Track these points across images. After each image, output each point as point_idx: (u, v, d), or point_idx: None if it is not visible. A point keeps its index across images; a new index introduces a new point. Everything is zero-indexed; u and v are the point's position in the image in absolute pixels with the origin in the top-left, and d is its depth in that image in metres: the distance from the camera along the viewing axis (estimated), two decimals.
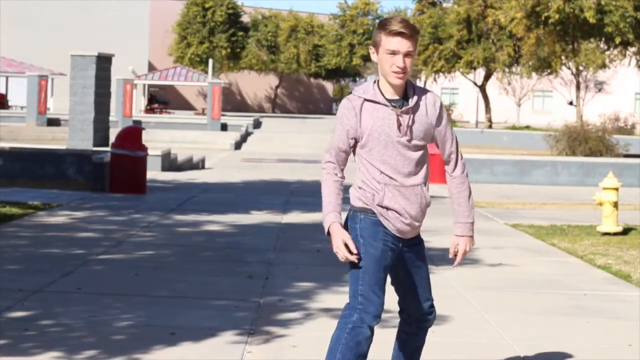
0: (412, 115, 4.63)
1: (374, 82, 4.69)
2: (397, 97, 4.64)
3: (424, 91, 4.71)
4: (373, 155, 4.64)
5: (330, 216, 4.64)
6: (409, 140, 4.63)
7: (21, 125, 43.27)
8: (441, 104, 4.74)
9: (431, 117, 4.69)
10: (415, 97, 4.65)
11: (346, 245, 4.59)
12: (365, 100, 4.65)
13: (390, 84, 4.62)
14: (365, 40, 75.16)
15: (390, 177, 4.64)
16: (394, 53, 4.55)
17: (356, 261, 4.61)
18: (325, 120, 56.68)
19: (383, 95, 4.64)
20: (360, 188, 4.69)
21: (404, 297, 4.88)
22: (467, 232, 4.81)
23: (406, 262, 4.79)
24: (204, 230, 12.58)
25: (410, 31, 4.54)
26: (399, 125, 4.61)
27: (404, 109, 4.61)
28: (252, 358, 6.19)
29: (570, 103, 46.73)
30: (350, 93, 4.75)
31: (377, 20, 75.63)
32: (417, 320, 4.90)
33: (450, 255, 4.85)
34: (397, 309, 4.95)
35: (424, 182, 4.71)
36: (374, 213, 4.66)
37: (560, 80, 53.86)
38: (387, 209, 4.64)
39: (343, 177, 4.76)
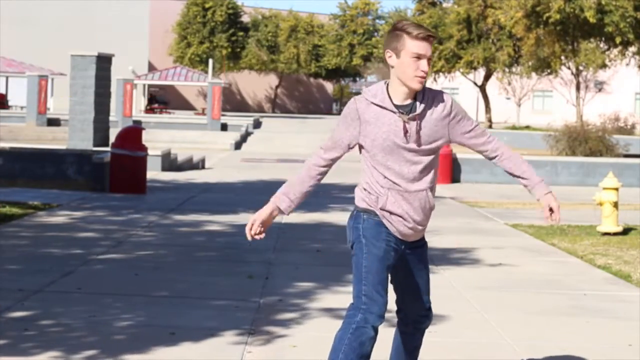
0: (419, 121, 4.58)
1: (385, 83, 4.64)
2: (407, 102, 4.58)
3: (434, 93, 4.64)
4: (377, 160, 4.62)
5: (276, 195, 4.77)
6: (418, 147, 4.59)
7: (21, 125, 43.26)
8: (452, 104, 4.66)
9: (442, 120, 4.63)
10: (424, 102, 4.59)
11: (259, 226, 4.72)
12: (373, 103, 4.61)
13: (409, 88, 4.55)
14: (365, 40, 75.13)
15: (394, 182, 4.61)
16: (419, 57, 4.51)
17: (249, 238, 4.72)
18: (325, 120, 56.69)
19: (391, 100, 4.59)
20: (364, 190, 4.69)
21: (402, 297, 4.88)
22: (546, 189, 4.76)
23: (408, 264, 4.78)
24: (204, 230, 12.58)
25: (433, 36, 4.57)
26: (405, 132, 4.56)
27: (410, 115, 4.56)
28: (252, 358, 6.19)
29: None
30: (358, 93, 4.73)
31: (377, 21, 75.66)
32: (413, 321, 4.91)
33: (546, 217, 4.75)
34: (396, 308, 4.96)
35: (429, 187, 4.67)
36: (377, 214, 4.66)
37: (560, 80, 53.84)
38: (391, 213, 4.64)
39: (325, 167, 4.76)
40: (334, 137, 4.73)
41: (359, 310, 4.57)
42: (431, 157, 4.65)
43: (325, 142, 4.76)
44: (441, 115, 4.62)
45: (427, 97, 4.61)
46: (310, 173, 4.77)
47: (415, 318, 4.90)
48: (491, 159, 4.82)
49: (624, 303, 8.43)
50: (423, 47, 4.52)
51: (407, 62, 4.52)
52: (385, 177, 4.62)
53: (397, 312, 4.93)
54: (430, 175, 4.67)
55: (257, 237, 4.73)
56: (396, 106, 4.58)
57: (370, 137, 4.60)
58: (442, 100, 4.64)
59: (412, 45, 4.51)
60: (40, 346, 6.22)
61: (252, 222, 4.72)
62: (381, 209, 4.63)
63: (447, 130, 4.65)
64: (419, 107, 4.57)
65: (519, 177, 4.80)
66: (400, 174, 4.61)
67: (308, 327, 7.05)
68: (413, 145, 4.59)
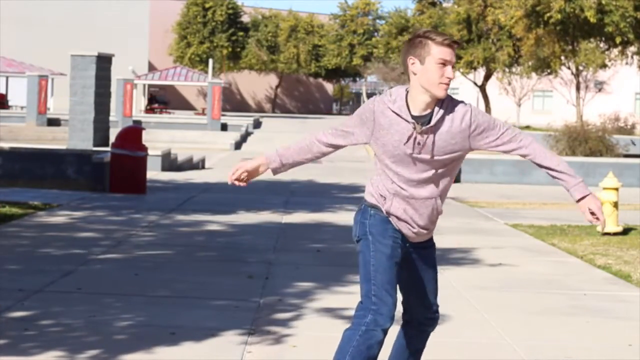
0: (434, 134, 4.49)
1: (406, 90, 4.55)
2: (425, 112, 4.49)
3: (454, 104, 4.53)
4: (387, 164, 4.58)
5: (270, 153, 4.80)
6: (431, 158, 4.52)
7: (21, 125, 43.26)
8: (472, 116, 4.52)
9: (460, 133, 4.52)
10: (440, 113, 4.48)
11: (245, 174, 4.73)
12: (390, 109, 4.53)
13: (433, 95, 4.46)
14: (365, 40, 75.14)
15: (401, 188, 4.57)
16: (444, 64, 4.44)
17: (229, 182, 4.74)
18: (325, 120, 56.67)
19: (409, 109, 4.50)
20: (374, 183, 4.67)
21: (407, 298, 4.83)
22: (586, 191, 4.57)
23: (413, 264, 4.74)
24: (204, 230, 12.58)
25: (458, 43, 4.53)
26: (417, 144, 4.49)
27: (424, 128, 4.47)
28: (252, 358, 6.19)
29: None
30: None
31: (377, 21, 75.64)
32: (419, 323, 4.86)
33: (590, 220, 4.59)
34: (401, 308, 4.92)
35: (439, 195, 4.61)
36: (382, 210, 4.63)
37: (560, 80, 53.82)
38: (397, 218, 4.61)
39: (328, 148, 4.74)
40: (346, 126, 4.68)
41: (368, 310, 4.50)
42: (446, 167, 4.58)
43: (337, 127, 4.72)
44: (459, 128, 4.51)
45: (447, 108, 4.51)
46: (312, 148, 4.77)
47: (421, 320, 4.84)
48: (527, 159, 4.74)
49: (624, 303, 8.43)
50: (448, 54, 4.45)
51: (433, 68, 4.44)
52: (393, 182, 4.58)
53: (403, 313, 4.88)
54: (443, 184, 4.61)
55: (237, 183, 4.72)
56: (413, 116, 4.49)
57: (382, 142, 4.55)
58: (462, 112, 4.52)
59: (437, 52, 4.44)
60: (41, 346, 6.22)
61: (237, 168, 4.72)
62: (386, 211, 4.62)
63: (467, 142, 4.54)
64: (434, 119, 4.48)
65: (557, 178, 4.65)
66: (409, 181, 4.56)
67: (308, 327, 7.05)
68: (425, 156, 4.51)
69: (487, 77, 57.71)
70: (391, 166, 4.57)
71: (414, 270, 4.76)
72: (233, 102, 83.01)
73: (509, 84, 61.88)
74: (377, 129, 4.56)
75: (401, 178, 4.57)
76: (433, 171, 4.56)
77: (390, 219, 4.62)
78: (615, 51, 40.26)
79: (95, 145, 22.73)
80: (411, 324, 4.87)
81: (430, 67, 4.45)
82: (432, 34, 4.49)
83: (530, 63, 45.16)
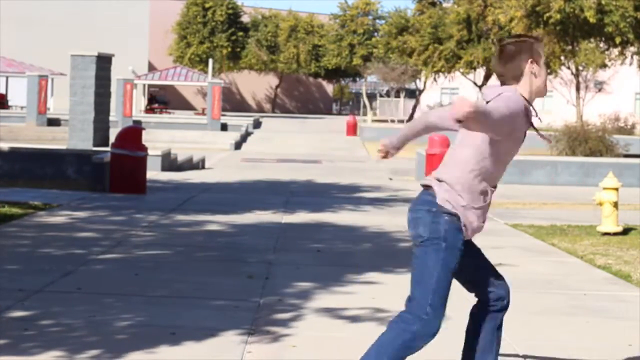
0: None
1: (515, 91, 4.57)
2: None
3: None
4: (499, 157, 4.57)
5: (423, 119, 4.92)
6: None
7: (21, 125, 43.28)
8: None
9: None
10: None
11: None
12: (527, 109, 4.57)
13: (541, 95, 4.61)
14: (365, 40, 75.09)
15: (487, 184, 4.64)
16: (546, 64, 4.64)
17: (377, 157, 4.81)
18: (325, 120, 56.65)
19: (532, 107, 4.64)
20: (452, 189, 4.56)
21: (486, 283, 4.81)
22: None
23: (470, 250, 4.74)
24: (204, 230, 12.58)
25: None
26: (522, 140, 4.64)
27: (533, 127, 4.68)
28: (252, 358, 6.19)
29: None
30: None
31: (377, 21, 75.60)
32: (506, 300, 4.85)
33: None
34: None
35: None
36: (459, 219, 4.55)
37: (560, 80, 53.81)
38: (469, 224, 4.61)
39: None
40: (505, 112, 4.39)
41: (419, 319, 4.48)
42: None
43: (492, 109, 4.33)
44: None
45: None
46: (442, 126, 4.90)
47: (501, 296, 4.85)
48: None
49: (624, 303, 8.44)
50: None
51: (544, 69, 4.60)
52: (482, 180, 4.59)
53: (488, 305, 4.86)
54: None
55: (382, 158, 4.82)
56: None
57: (513, 139, 4.55)
58: None
59: (543, 53, 4.59)
60: (41, 346, 6.22)
61: (388, 145, 4.90)
62: (463, 206, 4.56)
63: None
64: (536, 120, 4.66)
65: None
66: (498, 174, 4.66)
67: (308, 327, 7.05)
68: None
69: (487, 77, 57.71)
70: (502, 159, 4.59)
71: (474, 254, 4.80)
72: (233, 102, 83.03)
73: None
74: (517, 128, 4.54)
75: (493, 174, 4.63)
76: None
77: (463, 227, 4.57)
78: (615, 51, 40.25)
79: (95, 145, 22.74)
80: (493, 313, 4.88)
81: (543, 69, 4.61)
82: (533, 37, 4.63)
83: None
